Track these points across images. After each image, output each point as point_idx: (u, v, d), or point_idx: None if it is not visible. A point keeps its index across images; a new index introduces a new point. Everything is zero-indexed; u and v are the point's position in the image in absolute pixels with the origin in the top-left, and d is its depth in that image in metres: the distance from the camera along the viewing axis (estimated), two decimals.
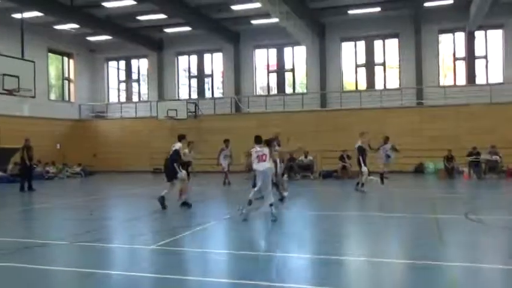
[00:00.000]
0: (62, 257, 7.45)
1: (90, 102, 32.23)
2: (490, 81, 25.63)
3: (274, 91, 29.94)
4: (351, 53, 28.24)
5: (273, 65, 29.98)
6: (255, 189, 10.12)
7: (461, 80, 26.52)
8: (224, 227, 10.03)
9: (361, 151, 15.24)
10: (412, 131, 23.91)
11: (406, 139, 22.01)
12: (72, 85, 31.62)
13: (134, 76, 33.30)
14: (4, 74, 14.64)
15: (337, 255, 7.03)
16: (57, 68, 31.07)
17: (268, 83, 30.12)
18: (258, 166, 10.08)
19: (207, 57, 31.07)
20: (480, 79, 26.18)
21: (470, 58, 26.33)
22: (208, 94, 31.25)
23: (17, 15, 22.68)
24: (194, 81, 31.78)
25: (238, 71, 29.65)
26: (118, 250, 7.96)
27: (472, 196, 15.46)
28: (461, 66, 26.66)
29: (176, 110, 26.85)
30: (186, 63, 31.78)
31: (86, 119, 31.50)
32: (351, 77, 28.55)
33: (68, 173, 25.77)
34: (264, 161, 10.07)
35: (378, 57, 27.84)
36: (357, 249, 7.80)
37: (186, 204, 12.10)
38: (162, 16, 26.19)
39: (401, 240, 8.51)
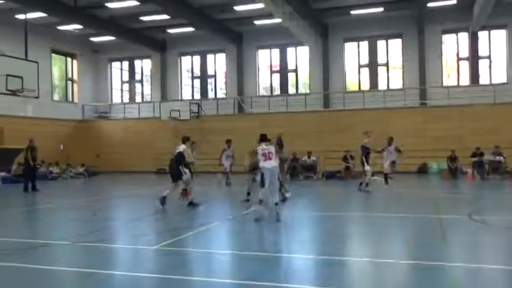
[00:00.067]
0: (65, 257, 7.46)
1: (94, 103, 32.30)
2: (493, 82, 25.56)
3: (277, 91, 29.93)
4: (354, 53, 28.21)
5: (276, 66, 29.98)
6: (264, 188, 9.97)
7: (465, 80, 26.46)
8: (227, 227, 10.02)
9: (365, 150, 15.26)
10: (415, 131, 23.86)
11: (409, 139, 21.98)
12: (75, 86, 31.69)
13: (137, 77, 33.35)
14: (8, 75, 14.70)
15: (341, 256, 7.02)
16: (60, 68, 31.15)
17: (271, 84, 30.12)
18: (265, 164, 9.98)
19: (210, 57, 31.09)
20: (484, 79, 26.11)
21: (473, 58, 26.28)
22: (211, 95, 31.27)
23: (21, 16, 22.72)
24: (197, 82, 31.81)
25: (241, 71, 29.66)
26: (121, 250, 7.97)
27: (476, 197, 15.41)
28: (465, 66, 26.60)
29: (179, 110, 26.87)
30: (189, 63, 31.81)
31: (89, 120, 31.56)
32: (354, 77, 28.52)
33: (71, 174, 25.83)
34: (271, 159, 10.01)
35: (381, 58, 27.80)
36: (360, 249, 7.79)
37: (192, 204, 12.16)
38: (165, 17, 26.23)
39: (404, 240, 8.49)
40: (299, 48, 28.76)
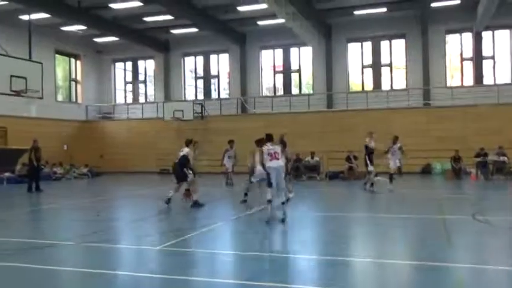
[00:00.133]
0: (69, 257, 7.48)
1: (97, 103, 32.38)
2: (497, 82, 25.50)
3: (280, 92, 29.93)
4: (357, 53, 28.18)
5: (279, 66, 29.97)
6: (272, 187, 9.88)
7: (469, 81, 26.40)
8: (231, 228, 10.03)
9: (368, 151, 15.25)
10: (419, 131, 23.80)
11: (413, 140, 21.90)
12: (79, 86, 31.79)
13: (141, 77, 33.41)
14: (12, 75, 14.72)
15: (344, 256, 7.01)
16: (64, 69, 31.23)
17: (274, 84, 30.12)
18: (271, 164, 9.88)
19: (213, 58, 31.12)
20: (487, 79, 26.05)
21: (477, 58, 26.21)
22: (214, 95, 31.29)
23: (25, 17, 22.80)
24: (200, 82, 31.84)
25: (245, 71, 29.67)
26: (125, 251, 7.99)
27: (480, 197, 15.36)
28: (469, 66, 26.54)
29: (182, 111, 26.91)
30: (192, 64, 31.85)
31: (93, 120, 31.63)
32: (358, 77, 28.49)
33: (75, 174, 25.89)
34: (277, 158, 9.93)
35: (384, 58, 27.76)
36: (363, 250, 7.77)
37: (197, 205, 12.22)
38: (168, 17, 26.27)
39: (408, 241, 8.48)
40: (302, 48, 28.75)
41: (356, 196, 15.81)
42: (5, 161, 22.27)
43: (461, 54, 26.66)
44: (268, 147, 10.07)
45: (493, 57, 26.02)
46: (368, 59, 27.98)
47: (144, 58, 32.52)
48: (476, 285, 5.79)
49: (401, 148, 16.09)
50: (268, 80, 30.29)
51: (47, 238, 8.65)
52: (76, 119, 30.38)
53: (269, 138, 10.32)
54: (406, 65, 27.18)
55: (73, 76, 31.56)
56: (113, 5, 24.20)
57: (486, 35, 25.93)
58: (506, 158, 20.35)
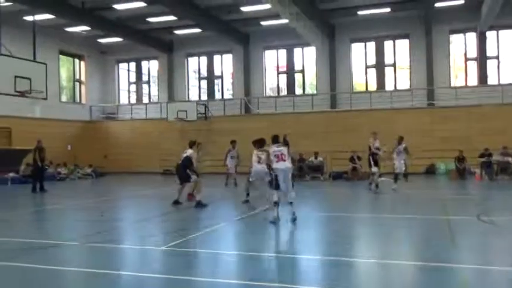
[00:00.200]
0: (73, 257, 7.50)
1: (101, 104, 32.45)
2: (501, 82, 25.43)
3: (284, 92, 29.92)
4: (361, 53, 28.15)
5: (283, 66, 29.97)
6: (280, 189, 9.80)
7: (473, 81, 26.32)
8: (234, 228, 10.02)
9: (372, 151, 15.23)
10: (423, 131, 23.73)
11: (417, 140, 21.81)
12: (83, 87, 31.86)
13: (144, 78, 33.46)
14: (16, 76, 14.75)
15: (348, 257, 7.00)
16: (68, 69, 31.33)
17: (278, 84, 30.12)
18: (278, 165, 9.80)
19: (216, 58, 31.14)
20: (492, 79, 25.97)
21: (481, 58, 26.13)
22: (218, 95, 31.32)
23: (29, 18, 22.87)
24: (204, 83, 31.86)
25: (248, 72, 29.67)
26: (129, 251, 8.00)
27: (484, 197, 15.32)
28: (473, 66, 26.46)
29: (186, 111, 26.91)
30: (196, 64, 31.88)
31: (97, 121, 31.70)
32: (361, 77, 28.46)
33: (79, 174, 25.94)
34: (284, 160, 9.85)
35: (388, 58, 27.72)
36: (367, 250, 7.76)
37: (200, 205, 12.23)
38: (172, 18, 26.31)
39: (412, 241, 8.46)
40: (306, 48, 28.74)
41: (360, 196, 15.78)
42: (9, 162, 22.35)
43: (465, 54, 26.58)
44: (274, 149, 9.99)
45: (497, 57, 25.94)
46: (372, 59, 27.93)
47: (148, 59, 32.57)
48: (481, 286, 5.76)
49: (406, 149, 16.03)
50: (272, 81, 30.29)
51: (51, 238, 8.67)
52: (80, 119, 30.46)
53: (275, 140, 10.25)
54: (410, 65, 27.13)
55: (77, 77, 31.65)
56: (117, 6, 24.28)
57: (490, 35, 25.85)
58: (510, 158, 20.27)
